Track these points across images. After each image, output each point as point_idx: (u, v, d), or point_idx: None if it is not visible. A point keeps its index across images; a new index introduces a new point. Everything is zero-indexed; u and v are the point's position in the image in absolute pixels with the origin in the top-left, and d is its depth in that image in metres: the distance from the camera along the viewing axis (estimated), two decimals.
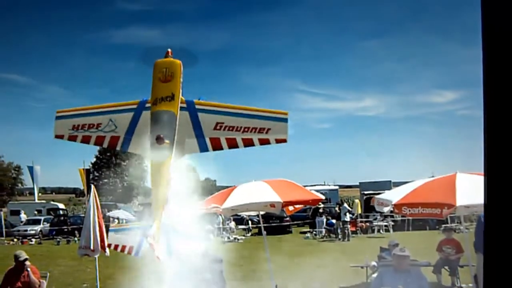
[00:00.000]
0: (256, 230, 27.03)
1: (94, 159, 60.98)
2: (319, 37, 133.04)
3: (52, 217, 32.06)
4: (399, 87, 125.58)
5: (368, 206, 25.58)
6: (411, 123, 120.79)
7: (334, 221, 24.50)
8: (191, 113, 4.87)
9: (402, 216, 22.93)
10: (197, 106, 4.91)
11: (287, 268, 12.11)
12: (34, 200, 43.36)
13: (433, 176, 9.06)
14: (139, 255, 4.35)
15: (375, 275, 8.79)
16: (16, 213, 34.82)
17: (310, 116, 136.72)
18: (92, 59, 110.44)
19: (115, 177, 59.17)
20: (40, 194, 52.75)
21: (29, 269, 7.77)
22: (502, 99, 1.20)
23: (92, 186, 10.07)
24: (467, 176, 6.86)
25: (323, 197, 9.80)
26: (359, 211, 27.97)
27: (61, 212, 35.90)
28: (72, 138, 5.16)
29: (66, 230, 27.90)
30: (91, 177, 36.04)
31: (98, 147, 58.76)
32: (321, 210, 27.04)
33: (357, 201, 30.02)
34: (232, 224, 26.91)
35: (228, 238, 24.52)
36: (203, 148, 4.83)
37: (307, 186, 18.73)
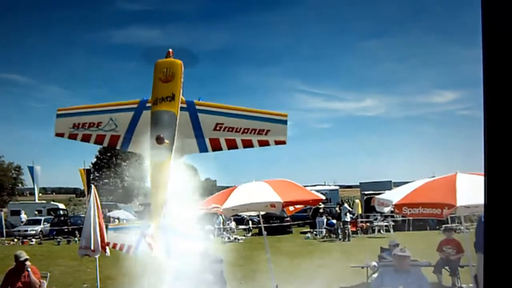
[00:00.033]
0: (257, 230, 27.04)
1: (95, 159, 61.12)
2: (319, 37, 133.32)
3: (52, 217, 32.06)
4: (399, 87, 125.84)
5: (369, 206, 25.56)
6: (411, 123, 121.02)
7: (334, 221, 24.51)
8: (191, 114, 4.88)
9: (403, 216, 22.93)
10: (197, 107, 4.92)
11: (287, 268, 12.12)
12: (35, 200, 43.39)
13: (433, 176, 9.04)
14: (137, 254, 4.35)
15: (375, 275, 8.79)
16: (17, 213, 34.84)
17: (310, 116, 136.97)
18: (92, 59, 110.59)
19: (116, 177, 59.20)
20: (40, 194, 52.73)
21: (29, 269, 7.77)
22: (502, 99, 1.20)
23: (93, 186, 10.07)
24: (467, 176, 6.86)
25: (323, 197, 9.79)
26: (360, 211, 27.95)
27: (61, 212, 35.88)
28: (73, 137, 5.17)
29: (66, 230, 27.93)
30: (91, 177, 36.04)
31: (98, 147, 59.08)
32: (321, 210, 27.05)
33: (357, 201, 29.99)
34: (233, 224, 26.92)
35: (229, 238, 24.53)
36: (202, 149, 4.84)
37: (307, 186, 18.73)
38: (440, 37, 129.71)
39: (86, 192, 26.49)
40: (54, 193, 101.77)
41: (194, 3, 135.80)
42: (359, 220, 26.88)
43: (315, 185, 37.13)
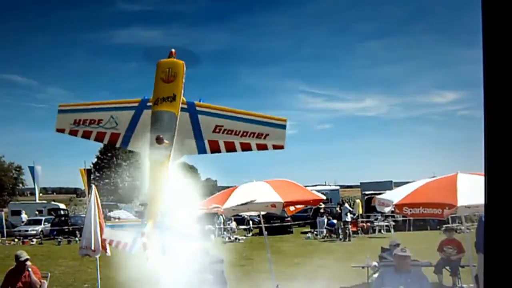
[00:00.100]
0: (257, 230, 27.06)
1: (95, 159, 61.03)
2: (319, 38, 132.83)
3: (53, 217, 32.07)
4: (399, 87, 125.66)
5: (369, 206, 25.56)
6: (411, 123, 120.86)
7: (335, 221, 24.52)
8: (191, 115, 4.90)
9: (403, 216, 22.92)
10: (197, 108, 4.94)
11: (288, 268, 12.14)
12: (35, 200, 43.43)
13: (434, 176, 9.03)
14: (132, 252, 4.37)
15: (376, 275, 8.79)
16: (17, 213, 34.85)
17: (311, 116, 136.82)
18: (92, 59, 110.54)
19: (116, 177, 59.19)
20: (41, 194, 52.67)
21: (30, 269, 7.78)
22: (502, 99, 1.20)
23: (93, 186, 10.07)
24: (468, 176, 6.85)
25: (324, 197, 9.79)
26: (360, 211, 27.96)
27: (62, 212, 35.86)
28: (73, 133, 5.19)
29: (67, 230, 27.95)
30: (92, 177, 35.97)
31: (99, 147, 59.16)
32: (322, 210, 27.06)
33: (358, 201, 30.01)
34: (233, 224, 26.93)
35: (229, 238, 24.54)
36: (201, 150, 4.86)
37: (308, 186, 18.74)
38: (440, 37, 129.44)
39: (86, 192, 26.43)
40: (54, 193, 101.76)
41: (194, 3, 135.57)
42: (360, 220, 26.88)
43: (315, 185, 37.14)
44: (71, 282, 12.79)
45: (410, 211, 7.02)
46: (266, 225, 14.03)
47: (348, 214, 23.77)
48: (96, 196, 9.34)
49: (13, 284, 7.67)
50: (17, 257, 7.86)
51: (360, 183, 35.13)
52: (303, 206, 11.88)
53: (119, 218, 25.69)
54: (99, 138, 5.17)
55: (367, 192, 29.30)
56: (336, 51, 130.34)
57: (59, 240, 25.69)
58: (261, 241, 18.25)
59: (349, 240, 22.52)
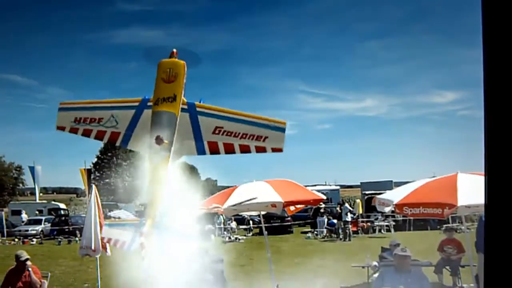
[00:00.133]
0: (257, 230, 27.06)
1: (95, 159, 61.02)
2: (319, 38, 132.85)
3: (53, 217, 32.09)
4: (399, 87, 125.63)
5: (369, 206, 25.55)
6: (412, 123, 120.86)
7: (335, 221, 24.51)
8: (191, 115, 4.91)
9: (403, 216, 22.90)
10: (197, 109, 4.94)
11: (288, 268, 12.14)
12: (35, 200, 43.46)
13: (434, 176, 9.03)
14: (130, 250, 4.39)
15: (376, 275, 8.79)
16: (17, 213, 34.87)
17: (311, 116, 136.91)
18: (92, 59, 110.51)
19: (116, 177, 59.17)
20: (41, 194, 52.70)
21: (30, 269, 7.78)
22: (502, 99, 1.20)
23: (93, 186, 10.08)
24: (468, 176, 6.85)
25: (324, 197, 9.79)
26: (360, 211, 27.98)
27: (62, 212, 35.90)
28: (74, 131, 5.20)
29: (67, 230, 27.96)
30: (92, 177, 36.00)
31: (99, 147, 59.16)
32: (322, 210, 27.06)
33: (358, 201, 30.03)
34: (233, 224, 26.95)
35: (229, 238, 24.55)
36: (200, 151, 4.87)
37: (308, 186, 18.75)
38: (440, 37, 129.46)
39: (87, 192, 26.43)
40: (55, 193, 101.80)
41: (194, 3, 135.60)
42: (360, 220, 26.90)
43: (315, 185, 37.15)
44: (71, 282, 12.79)
45: (410, 211, 7.01)
46: (266, 225, 14.03)
47: (348, 214, 23.78)
48: (96, 196, 9.34)
49: (13, 284, 7.68)
50: (17, 257, 7.87)
51: (360, 183, 35.16)
52: (303, 206, 11.88)
53: (119, 218, 25.69)
54: (99, 136, 5.18)
55: (367, 192, 29.30)
56: (336, 51, 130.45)
57: (59, 240, 25.69)
58: (261, 241, 18.25)
59: (349, 240, 22.52)
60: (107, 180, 59.29)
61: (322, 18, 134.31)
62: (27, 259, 7.81)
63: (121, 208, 34.01)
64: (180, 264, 4.70)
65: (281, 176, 9.57)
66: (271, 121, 4.79)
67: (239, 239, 24.30)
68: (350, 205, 28.31)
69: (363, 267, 10.16)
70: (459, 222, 21.00)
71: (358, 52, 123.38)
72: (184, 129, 4.83)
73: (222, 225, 25.99)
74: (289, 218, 26.51)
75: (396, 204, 7.17)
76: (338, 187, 39.65)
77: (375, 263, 9.60)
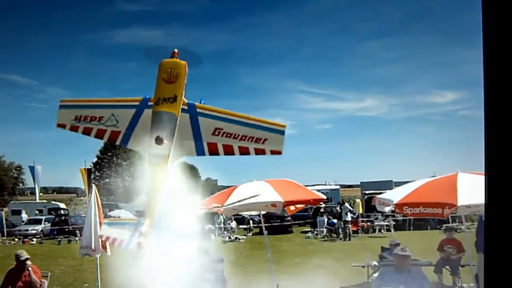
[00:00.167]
0: (257, 230, 27.07)
1: (96, 159, 60.99)
2: (319, 38, 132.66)
3: (53, 216, 32.09)
4: (399, 87, 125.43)
5: (369, 206, 25.55)
6: (412, 123, 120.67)
7: (335, 220, 24.53)
8: (192, 116, 4.92)
9: (403, 216, 22.90)
10: (198, 110, 4.95)
11: (288, 268, 12.14)
12: (35, 199, 43.44)
13: (434, 176, 9.04)
14: (128, 249, 4.40)
15: (376, 274, 8.80)
16: (17, 212, 34.88)
17: (311, 116, 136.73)
18: (92, 59, 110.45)
19: (116, 176, 59.16)
20: (41, 193, 52.70)
21: (30, 268, 7.78)
22: (502, 99, 1.20)
23: (93, 185, 10.07)
24: (468, 175, 6.85)
25: (324, 196, 9.79)
26: (360, 211, 27.97)
27: (62, 211, 35.90)
28: (74, 129, 5.19)
29: (67, 229, 27.96)
30: (92, 176, 36.00)
31: (99, 146, 59.14)
32: (322, 210, 27.08)
33: (358, 200, 30.01)
34: (233, 223, 26.97)
35: (229, 237, 24.57)
36: (200, 152, 4.87)
37: (308, 185, 18.74)
38: (440, 37, 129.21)
39: (87, 192, 26.43)
40: (55, 193, 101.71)
41: (194, 3, 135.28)
42: (360, 219, 26.90)
43: (315, 185, 37.17)
44: (71, 281, 12.80)
45: (410, 210, 7.02)
46: (266, 224, 14.05)
47: (348, 213, 23.80)
48: (96, 196, 9.33)
49: (13, 284, 7.68)
50: (17, 257, 7.87)
51: (360, 182, 35.15)
52: (303, 205, 11.88)
53: (119, 217, 25.69)
54: (99, 135, 5.18)
55: (367, 192, 29.30)
56: (336, 51, 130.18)
57: (59, 239, 25.71)
58: (261, 241, 18.26)
59: (349, 240, 22.54)
60: (107, 180, 59.27)
61: (322, 18, 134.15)
62: (27, 259, 7.82)
63: (121, 208, 33.98)
64: (180, 264, 4.70)
65: (281, 176, 9.56)
66: (271, 123, 4.80)
67: (239, 239, 24.32)
68: (350, 205, 28.33)
69: (363, 266, 10.17)
70: (459, 222, 20.99)
71: (358, 52, 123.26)
72: (184, 129, 4.84)
73: (222, 225, 26.01)
74: (289, 218, 26.51)
75: (396, 204, 7.17)
76: (338, 187, 39.68)
77: (375, 262, 9.61)
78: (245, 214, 25.79)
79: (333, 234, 24.30)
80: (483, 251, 1.29)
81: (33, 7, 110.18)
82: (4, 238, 27.80)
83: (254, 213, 22.15)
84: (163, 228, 4.48)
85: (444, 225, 18.84)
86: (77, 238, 24.22)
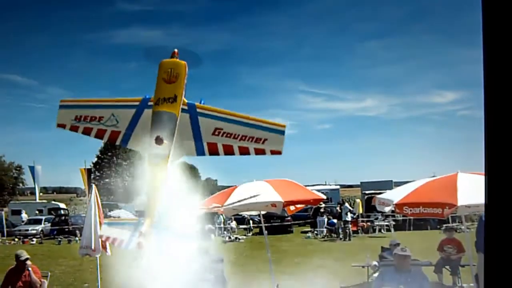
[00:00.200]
0: (257, 230, 27.07)
1: (96, 159, 60.99)
2: (319, 38, 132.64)
3: (53, 216, 32.09)
4: (399, 87, 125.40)
5: (369, 206, 25.55)
6: (412, 123, 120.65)
7: (335, 220, 24.54)
8: (192, 116, 4.92)
9: (403, 216, 22.90)
10: (198, 110, 4.95)
11: (288, 268, 12.14)
12: (35, 199, 43.44)
13: (434, 176, 9.04)
14: (128, 249, 4.40)
15: (376, 274, 8.80)
16: (17, 212, 34.88)
17: (311, 116, 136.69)
18: (92, 59, 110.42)
19: (117, 176, 59.15)
20: (41, 193, 52.69)
21: (30, 268, 7.78)
22: (502, 99, 1.20)
23: (93, 185, 10.07)
24: (468, 175, 6.85)
25: (324, 196, 9.79)
26: (360, 211, 27.97)
27: (62, 211, 35.89)
28: (74, 129, 5.19)
29: (67, 229, 27.97)
30: (92, 176, 35.99)
31: (99, 146, 59.13)
32: (322, 210, 27.08)
33: (358, 200, 30.01)
34: (233, 223, 26.97)
35: (229, 237, 24.57)
36: (200, 152, 4.88)
37: (308, 185, 18.74)
38: (440, 37, 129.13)
39: (87, 192, 26.42)
40: (55, 193, 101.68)
41: (194, 3, 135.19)
42: (360, 219, 26.90)
43: (315, 185, 37.17)
44: (71, 281, 12.80)
45: (410, 210, 7.02)
46: (266, 224, 14.04)
47: (348, 213, 23.80)
48: (96, 196, 9.33)
49: (13, 284, 7.68)
50: (17, 257, 7.87)
51: (361, 182, 35.14)
52: (303, 205, 11.88)
53: (119, 217, 25.69)
54: (99, 135, 5.18)
55: (367, 192, 29.29)
56: (336, 51, 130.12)
57: (59, 239, 25.71)
58: (261, 241, 18.26)
59: (349, 240, 22.54)
60: (107, 180, 59.26)
61: (322, 18, 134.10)
62: (27, 259, 7.82)
63: (121, 208, 33.98)
64: (180, 264, 4.71)
65: (281, 176, 9.56)
66: (271, 123, 4.80)
67: (239, 239, 24.31)
68: (350, 205, 28.33)
69: (363, 266, 10.17)
70: (459, 222, 20.99)
71: (358, 52, 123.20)
72: (184, 129, 4.84)
73: (222, 225, 26.01)
74: (289, 218, 26.51)
75: (396, 204, 7.17)
76: (338, 187, 39.69)
77: (375, 262, 9.61)
78: (245, 214, 25.79)
79: (333, 234, 24.30)
80: (483, 251, 1.29)
81: (33, 7, 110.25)
82: (4, 238, 27.80)
83: (254, 213, 22.15)
84: (163, 228, 4.48)
85: (444, 225, 18.84)
86: (77, 238, 24.22)
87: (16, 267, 7.87)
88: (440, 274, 10.28)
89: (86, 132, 5.17)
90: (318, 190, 12.59)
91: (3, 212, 32.70)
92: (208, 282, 6.92)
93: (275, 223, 25.56)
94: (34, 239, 26.84)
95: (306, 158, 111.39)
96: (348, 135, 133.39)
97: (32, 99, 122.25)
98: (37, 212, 35.36)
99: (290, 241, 22.50)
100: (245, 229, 27.70)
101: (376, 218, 26.40)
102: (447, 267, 10.38)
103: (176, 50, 5.19)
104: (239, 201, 8.16)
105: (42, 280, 8.09)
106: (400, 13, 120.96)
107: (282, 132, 4.77)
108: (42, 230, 29.06)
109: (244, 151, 4.79)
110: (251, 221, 28.18)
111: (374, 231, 25.60)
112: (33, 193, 49.57)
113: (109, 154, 60.50)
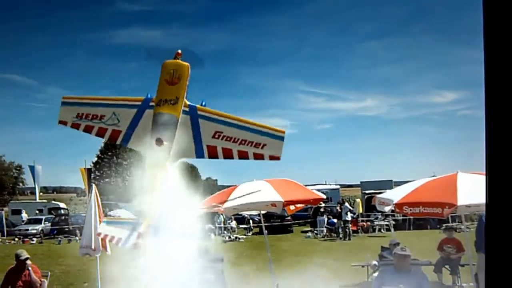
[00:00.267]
0: (257, 230, 27.07)
1: (96, 159, 60.96)
2: (319, 38, 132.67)
3: (53, 216, 32.09)
4: (400, 87, 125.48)
5: (369, 206, 25.56)
6: (412, 123, 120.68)
7: (335, 220, 24.54)
8: (192, 118, 4.92)
9: (403, 216, 22.94)
10: (199, 112, 4.95)
11: (288, 267, 12.12)
12: (35, 199, 43.46)
13: (434, 176, 9.05)
14: (125, 247, 4.41)
15: (376, 274, 8.80)
16: (18, 212, 34.89)
17: (311, 116, 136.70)
18: (92, 59, 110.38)
19: (117, 176, 59.14)
20: (41, 193, 52.68)
21: (30, 268, 7.78)
22: (503, 99, 1.20)
23: (94, 185, 10.06)
24: (468, 175, 6.85)
25: (324, 196, 9.79)
26: (360, 211, 27.99)
27: (62, 211, 35.92)
28: (75, 126, 5.19)
29: (67, 229, 27.92)
30: (92, 176, 35.98)
31: (99, 146, 59.10)
32: (322, 210, 27.08)
33: (358, 200, 30.04)
34: (233, 223, 26.97)
35: (229, 237, 24.56)
36: (199, 154, 4.88)
37: (308, 185, 18.73)
38: (440, 37, 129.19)
39: (87, 191, 26.43)
40: (55, 192, 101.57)
41: (194, 3, 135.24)
42: (360, 219, 26.92)
43: (316, 184, 37.16)
44: (71, 281, 12.80)
45: (410, 210, 7.02)
46: (266, 224, 14.05)
47: (348, 213, 23.79)
48: (96, 195, 9.33)
49: (13, 283, 7.68)
50: (17, 256, 7.87)
51: (361, 182, 35.12)
52: (303, 205, 11.88)
53: (119, 217, 25.67)
54: (100, 133, 5.18)
55: (367, 191, 29.30)
56: (336, 51, 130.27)
57: (59, 239, 25.69)
58: (261, 240, 18.26)
59: (349, 239, 22.54)
60: (107, 180, 59.26)
61: (322, 18, 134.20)
62: (27, 258, 7.82)
63: (121, 208, 33.98)
64: (179, 263, 4.71)
65: (281, 176, 9.54)
66: (270, 129, 4.81)
67: (239, 239, 24.31)
68: (350, 205, 28.31)
69: (363, 266, 10.18)
70: (459, 222, 20.99)
71: (358, 52, 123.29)
72: (184, 131, 4.84)
73: (222, 225, 26.01)
74: (289, 218, 26.52)
75: (396, 204, 7.17)
76: (338, 187, 39.71)
77: (375, 262, 9.62)
78: (245, 213, 25.78)
79: (333, 234, 24.30)
80: (483, 250, 1.29)
81: (33, 7, 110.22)
82: (4, 237, 27.80)
83: (254, 212, 22.13)
84: (163, 228, 4.49)
85: (444, 225, 18.83)
86: (77, 238, 24.21)
87: (16, 266, 7.87)
88: (440, 274, 10.28)
89: (87, 130, 5.17)
90: (318, 190, 12.59)
91: (3, 212, 32.70)
92: (208, 282, 6.92)
93: (275, 222, 25.55)
94: (34, 239, 26.84)
95: (306, 158, 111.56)
96: (348, 135, 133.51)
97: (32, 99, 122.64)
98: (37, 211, 35.36)
99: (290, 241, 22.48)
100: (245, 228, 27.69)
101: (376, 218, 26.40)
102: (447, 266, 10.39)
103: (179, 51, 5.18)
104: (239, 197, 8.15)
105: (42, 279, 8.09)
106: (400, 13, 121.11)
107: (282, 138, 4.78)
108: (42, 230, 29.07)
109: (243, 156, 4.79)
110: (251, 221, 28.18)
111: (374, 230, 25.60)
112: (33, 192, 49.57)
113: (109, 153, 60.49)
